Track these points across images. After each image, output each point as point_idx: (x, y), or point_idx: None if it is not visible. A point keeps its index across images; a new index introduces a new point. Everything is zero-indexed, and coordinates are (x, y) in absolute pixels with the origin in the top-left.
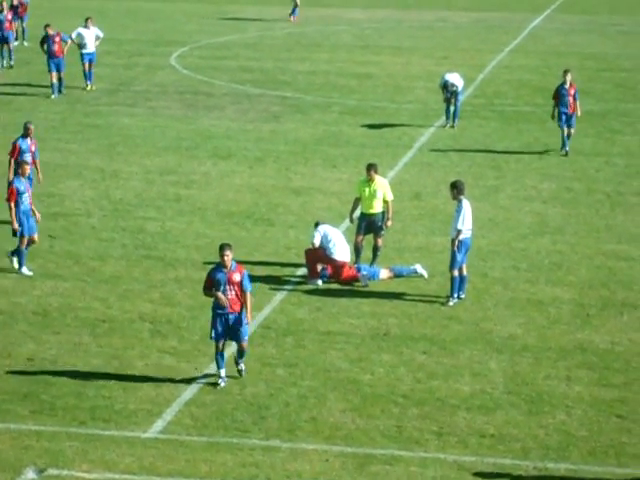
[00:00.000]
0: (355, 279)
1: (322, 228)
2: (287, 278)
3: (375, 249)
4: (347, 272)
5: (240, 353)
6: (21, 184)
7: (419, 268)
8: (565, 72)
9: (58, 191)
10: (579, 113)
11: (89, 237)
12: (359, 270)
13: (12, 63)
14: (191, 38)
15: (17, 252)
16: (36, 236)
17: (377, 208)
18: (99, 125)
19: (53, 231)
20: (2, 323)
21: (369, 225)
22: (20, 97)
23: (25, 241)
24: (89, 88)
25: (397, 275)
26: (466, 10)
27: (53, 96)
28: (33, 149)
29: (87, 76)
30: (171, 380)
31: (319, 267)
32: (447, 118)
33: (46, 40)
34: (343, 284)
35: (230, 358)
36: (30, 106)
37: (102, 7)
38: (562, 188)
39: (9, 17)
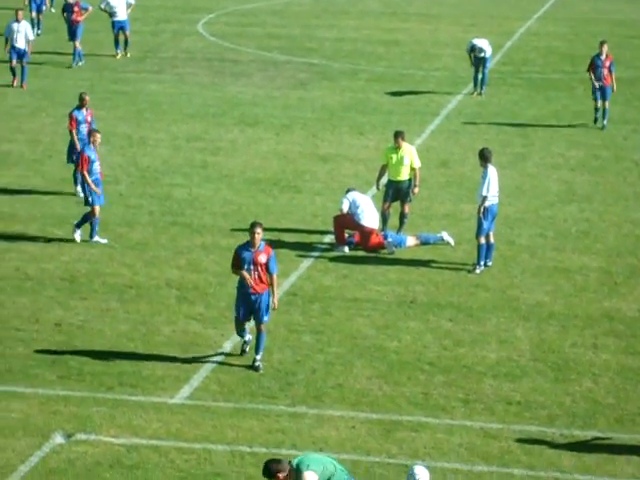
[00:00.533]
0: (382, 246)
1: (351, 195)
2: (314, 245)
3: (402, 216)
4: (374, 239)
5: (258, 340)
6: (92, 152)
7: (446, 236)
8: (602, 43)
9: None
10: (614, 87)
11: (117, 204)
12: (385, 237)
13: (39, 32)
14: (218, 5)
15: (89, 221)
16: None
17: (404, 175)
18: (126, 92)
19: (80, 198)
20: (30, 289)
21: (396, 192)
22: (47, 65)
23: (97, 210)
24: (119, 56)
25: (424, 243)
26: None
27: (73, 64)
28: (89, 119)
29: (117, 44)
30: (198, 346)
31: (346, 234)
32: (475, 85)
33: (66, 8)
34: (370, 251)
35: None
36: (57, 73)
37: None
38: (590, 156)
39: None
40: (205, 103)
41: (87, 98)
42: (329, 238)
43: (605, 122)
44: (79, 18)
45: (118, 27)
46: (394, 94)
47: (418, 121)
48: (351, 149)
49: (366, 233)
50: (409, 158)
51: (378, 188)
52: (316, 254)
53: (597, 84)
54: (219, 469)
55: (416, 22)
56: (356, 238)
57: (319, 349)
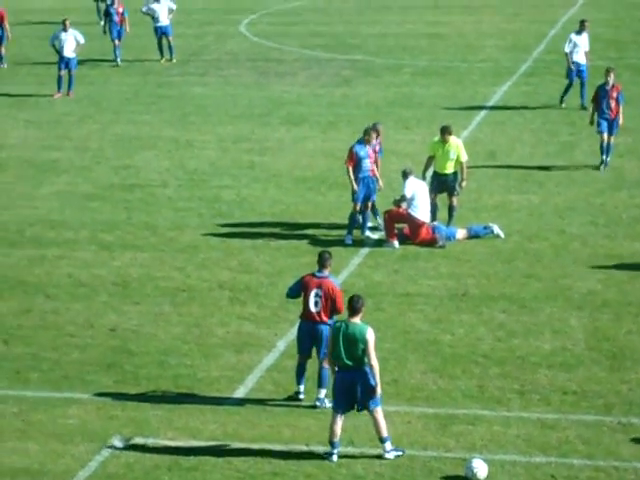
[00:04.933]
0: (432, 241)
1: (412, 181)
2: (364, 241)
3: (450, 209)
4: (424, 233)
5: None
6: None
7: (496, 228)
8: (607, 71)
9: (133, 163)
10: (621, 121)
11: (165, 207)
12: (434, 231)
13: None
14: (260, 5)
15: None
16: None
17: (450, 168)
18: (172, 96)
19: (129, 202)
20: (83, 295)
21: (441, 184)
22: (93, 70)
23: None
24: (163, 61)
25: (474, 235)
26: None
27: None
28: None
29: (160, 49)
30: (252, 346)
31: (396, 230)
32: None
33: (108, 12)
34: (420, 245)
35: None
36: (103, 79)
37: None
38: (638, 141)
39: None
40: (250, 104)
41: (380, 128)
42: (379, 234)
43: (608, 159)
44: (121, 21)
45: (160, 32)
46: (439, 87)
47: (464, 113)
48: (397, 144)
49: (416, 226)
50: (455, 152)
51: (424, 179)
52: (366, 250)
53: (596, 118)
54: (277, 468)
55: (458, 14)
56: (405, 231)
57: None
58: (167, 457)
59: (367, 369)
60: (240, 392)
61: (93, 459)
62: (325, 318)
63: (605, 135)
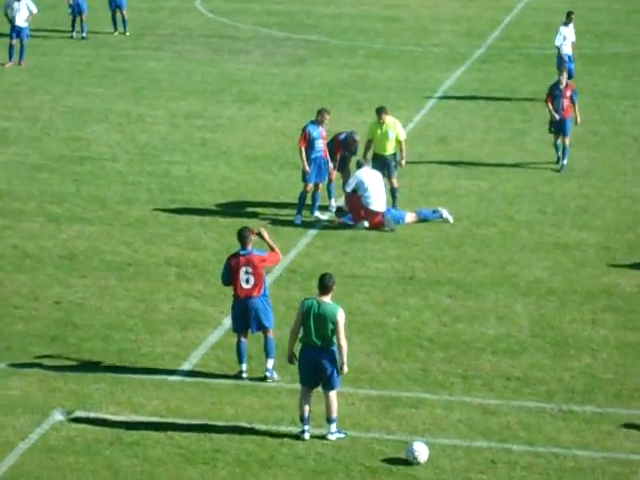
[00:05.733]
0: (382, 224)
1: (361, 173)
2: (312, 222)
3: (393, 191)
4: (376, 218)
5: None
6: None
7: (445, 213)
8: (560, 70)
9: (84, 135)
10: (579, 120)
11: (115, 181)
12: (385, 214)
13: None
14: None
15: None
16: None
17: (390, 149)
18: (125, 69)
19: (79, 175)
20: (29, 266)
21: (382, 166)
22: (46, 41)
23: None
24: (116, 34)
25: (423, 219)
26: None
27: (73, 34)
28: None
29: (114, 22)
30: (197, 323)
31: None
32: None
33: None
34: (370, 229)
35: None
36: (55, 50)
37: None
38: (588, 131)
39: None
40: (204, 80)
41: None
42: (328, 215)
43: (565, 162)
44: None
45: (115, 5)
46: (393, 70)
47: (417, 97)
48: (350, 126)
49: (373, 215)
50: (394, 132)
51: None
52: (315, 231)
53: (557, 116)
54: (219, 445)
55: None
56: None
57: None
58: (109, 431)
59: (334, 349)
60: (184, 368)
61: (34, 431)
62: (257, 293)
63: (559, 137)
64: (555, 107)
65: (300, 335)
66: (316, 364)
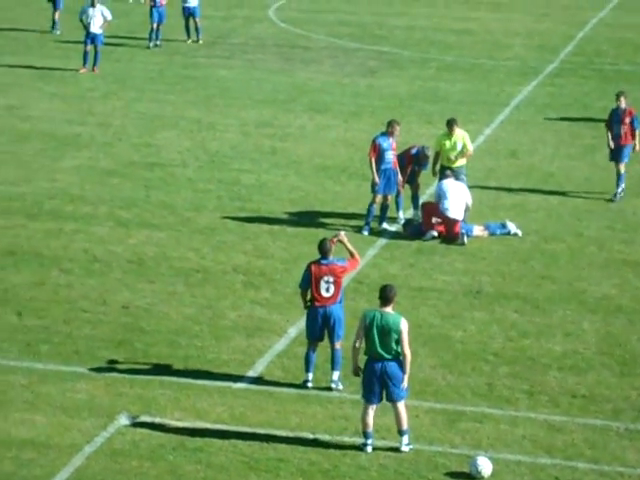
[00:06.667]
0: (458, 234)
1: (444, 182)
2: (380, 233)
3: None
4: (457, 228)
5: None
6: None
7: (513, 228)
8: (618, 96)
9: (155, 141)
10: (637, 147)
11: (185, 188)
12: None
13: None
14: None
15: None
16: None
17: (458, 162)
18: (196, 77)
19: (149, 181)
20: (98, 271)
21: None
22: (119, 48)
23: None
24: (189, 42)
25: (491, 233)
26: None
27: (150, 44)
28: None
29: (187, 30)
30: (263, 331)
31: (433, 220)
32: None
33: None
34: (450, 241)
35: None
36: (129, 57)
37: None
38: None
39: None
40: (275, 89)
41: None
42: (396, 227)
43: (619, 189)
44: (163, 2)
45: (188, 13)
46: (464, 83)
47: (487, 111)
48: (419, 138)
49: (450, 223)
50: (462, 144)
51: (434, 174)
52: (383, 242)
53: (611, 144)
54: (282, 454)
55: (487, 11)
56: (440, 228)
57: None
58: (173, 437)
59: (399, 359)
60: (249, 376)
61: (100, 434)
62: (336, 300)
63: (614, 163)
64: (614, 133)
65: (364, 348)
66: (381, 375)
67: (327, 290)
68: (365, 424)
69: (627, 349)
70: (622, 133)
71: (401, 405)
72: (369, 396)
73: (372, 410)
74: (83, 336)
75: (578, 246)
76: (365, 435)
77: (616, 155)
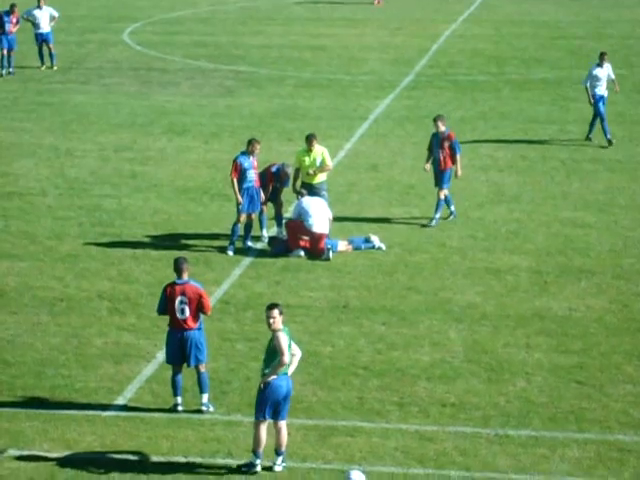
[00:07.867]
0: (323, 250)
1: (302, 202)
2: (245, 252)
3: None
4: (323, 244)
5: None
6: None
7: (377, 241)
8: (435, 120)
9: (12, 170)
10: (459, 173)
11: (45, 216)
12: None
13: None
14: (143, 14)
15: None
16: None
17: (319, 177)
18: (52, 103)
19: (7, 210)
20: None
21: (311, 195)
22: None
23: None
24: (43, 68)
25: (356, 248)
26: None
27: (3, 72)
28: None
29: (41, 56)
30: (131, 357)
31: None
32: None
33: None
34: (316, 256)
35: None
36: None
37: None
38: (517, 156)
39: None
40: (133, 113)
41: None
42: (260, 245)
43: (437, 215)
44: (13, 29)
45: (41, 39)
46: (322, 99)
47: (347, 126)
48: (280, 156)
49: (316, 238)
50: (321, 159)
51: (295, 191)
52: (248, 261)
53: (426, 167)
54: None
55: (342, 27)
56: (304, 244)
57: (253, 357)
58: (43, 469)
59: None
60: (118, 403)
61: None
62: (193, 324)
63: (437, 189)
64: (434, 158)
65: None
66: (285, 392)
67: (182, 312)
68: (258, 442)
69: (493, 356)
70: (441, 157)
71: (284, 424)
72: (263, 413)
73: (264, 426)
74: None
75: (442, 256)
76: (255, 454)
77: (436, 180)
